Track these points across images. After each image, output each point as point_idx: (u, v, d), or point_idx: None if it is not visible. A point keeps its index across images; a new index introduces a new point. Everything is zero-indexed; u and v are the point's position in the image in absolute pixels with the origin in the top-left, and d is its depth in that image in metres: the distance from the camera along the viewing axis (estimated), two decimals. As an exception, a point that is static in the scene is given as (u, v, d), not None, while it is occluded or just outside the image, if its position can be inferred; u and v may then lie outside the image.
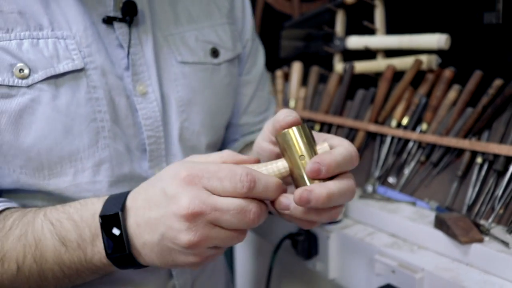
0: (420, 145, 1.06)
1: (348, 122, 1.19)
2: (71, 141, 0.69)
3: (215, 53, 0.87)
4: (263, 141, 0.66)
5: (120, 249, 0.59)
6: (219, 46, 0.88)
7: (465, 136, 0.97)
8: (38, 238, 0.61)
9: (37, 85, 0.66)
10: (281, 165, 0.58)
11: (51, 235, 0.61)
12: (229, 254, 1.60)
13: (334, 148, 0.57)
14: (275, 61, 1.48)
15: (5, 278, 0.62)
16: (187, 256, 0.58)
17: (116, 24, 0.74)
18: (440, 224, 0.88)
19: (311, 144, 0.56)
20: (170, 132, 0.80)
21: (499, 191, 0.89)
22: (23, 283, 0.63)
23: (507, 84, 0.91)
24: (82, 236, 0.61)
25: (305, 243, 1.06)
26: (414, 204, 1.01)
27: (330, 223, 1.03)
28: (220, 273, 1.02)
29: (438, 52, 1.06)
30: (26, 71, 0.65)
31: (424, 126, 1.05)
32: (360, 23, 1.20)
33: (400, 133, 1.09)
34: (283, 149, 0.57)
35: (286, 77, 1.42)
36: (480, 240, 0.82)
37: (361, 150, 1.17)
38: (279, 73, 1.42)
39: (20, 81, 0.65)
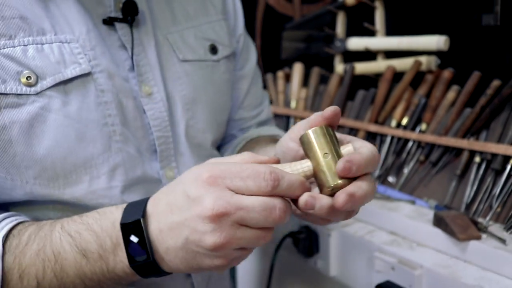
0: (419, 144, 1.08)
1: (349, 122, 1.21)
2: (85, 147, 0.68)
3: (214, 49, 0.87)
4: (290, 141, 0.64)
5: (143, 257, 0.57)
6: (217, 42, 0.88)
7: (464, 136, 0.99)
8: (57, 251, 0.59)
9: (46, 92, 0.64)
10: (305, 165, 0.57)
11: (70, 247, 0.59)
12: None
13: (358, 149, 0.57)
14: (277, 62, 1.50)
15: None
16: (212, 259, 0.56)
17: (118, 25, 0.73)
18: (438, 222, 0.89)
19: (334, 143, 0.57)
20: (177, 131, 0.80)
21: (497, 190, 0.90)
22: None
23: (505, 85, 0.92)
24: (103, 246, 0.59)
25: (306, 241, 1.07)
26: (413, 202, 1.03)
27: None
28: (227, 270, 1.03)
29: (437, 53, 1.08)
30: (34, 78, 0.64)
31: (423, 126, 1.07)
32: (360, 25, 1.21)
33: (399, 133, 1.10)
34: (307, 149, 0.57)
35: (288, 78, 1.44)
36: (478, 237, 0.84)
37: (361, 149, 1.18)
38: (280, 74, 1.44)
39: (28, 89, 0.63)
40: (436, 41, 1.05)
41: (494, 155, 0.92)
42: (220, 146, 1.00)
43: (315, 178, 0.57)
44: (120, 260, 0.59)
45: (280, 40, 1.48)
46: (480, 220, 0.90)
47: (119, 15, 0.73)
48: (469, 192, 0.95)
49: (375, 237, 0.97)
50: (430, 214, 0.95)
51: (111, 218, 0.59)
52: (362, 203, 0.55)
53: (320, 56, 1.36)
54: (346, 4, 1.25)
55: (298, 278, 1.23)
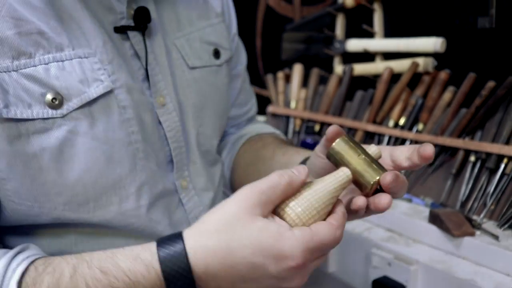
0: (416, 144, 1.10)
1: (347, 122, 1.23)
2: (114, 169, 0.64)
3: (217, 54, 0.85)
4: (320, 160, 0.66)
5: None
6: (219, 46, 0.86)
7: (459, 136, 1.01)
8: None
9: (73, 114, 0.60)
10: (343, 172, 0.58)
11: None
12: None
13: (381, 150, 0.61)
14: (277, 63, 1.51)
15: None
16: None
17: (130, 33, 0.69)
18: (434, 219, 0.92)
19: (360, 147, 0.59)
20: (189, 140, 0.78)
21: (491, 188, 0.93)
22: None
23: (499, 86, 0.95)
24: None
25: (305, 238, 1.09)
26: (410, 200, 1.05)
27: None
28: None
29: (434, 55, 1.10)
30: (59, 100, 0.59)
31: (420, 126, 1.09)
32: (359, 27, 1.23)
33: (397, 133, 1.12)
34: (339, 159, 0.59)
35: (287, 78, 1.46)
36: (472, 234, 0.86)
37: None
38: (280, 74, 1.46)
39: (53, 111, 0.59)
40: (433, 43, 1.07)
41: (489, 154, 0.95)
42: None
43: (354, 181, 0.58)
44: None
45: (281, 41, 1.49)
46: (474, 217, 0.93)
47: (131, 22, 0.69)
48: (464, 190, 0.98)
49: (373, 234, 1.00)
50: (426, 211, 0.97)
51: (151, 281, 0.53)
52: (403, 186, 0.58)
53: (319, 57, 1.38)
54: (346, 6, 1.27)
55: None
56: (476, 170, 0.97)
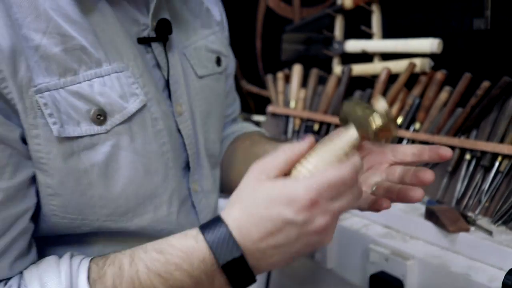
0: (413, 143, 1.12)
1: (346, 121, 1.25)
2: (151, 179, 0.67)
3: (218, 61, 0.87)
4: None
5: (246, 282, 0.57)
6: (220, 54, 0.88)
7: (455, 135, 1.04)
8: None
9: (115, 129, 0.62)
10: (350, 130, 0.59)
11: None
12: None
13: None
14: (277, 64, 1.53)
15: None
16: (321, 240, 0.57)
17: (153, 44, 0.70)
18: (430, 215, 0.94)
19: (368, 104, 0.60)
20: (199, 145, 0.80)
21: (486, 185, 0.95)
22: None
23: (494, 86, 0.97)
24: (199, 281, 0.56)
25: (305, 235, 1.11)
26: (407, 198, 1.07)
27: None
28: None
29: (431, 55, 1.12)
30: (103, 116, 0.60)
31: (417, 125, 1.12)
32: (358, 28, 1.24)
33: (394, 131, 1.14)
34: (351, 114, 0.60)
35: (287, 79, 1.47)
36: (467, 229, 0.88)
37: (358, 148, 1.22)
38: (280, 75, 1.47)
39: (98, 128, 0.60)
40: (429, 44, 1.09)
41: (483, 153, 0.97)
42: None
43: (363, 137, 0.59)
44: (219, 285, 0.57)
45: (280, 42, 1.51)
46: (469, 214, 0.95)
47: (152, 34, 0.70)
48: (459, 187, 1.00)
49: (370, 230, 1.02)
50: (423, 208, 1.00)
51: (199, 256, 0.56)
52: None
53: (318, 58, 1.39)
54: (344, 8, 1.28)
55: (298, 271, 1.27)
56: (471, 168, 0.99)
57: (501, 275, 0.77)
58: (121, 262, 0.57)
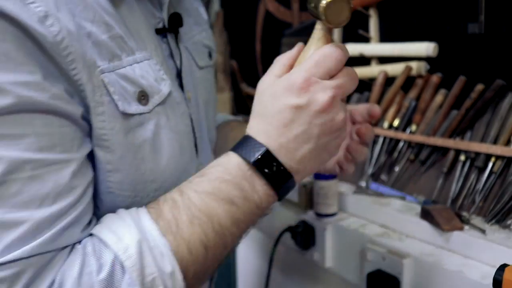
0: (409, 144, 1.15)
1: (344, 123, 1.27)
2: (184, 155, 0.73)
3: (210, 55, 0.95)
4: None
5: (283, 180, 0.64)
6: (210, 49, 0.96)
7: (450, 136, 1.06)
8: (207, 211, 0.62)
9: (156, 109, 0.67)
10: (317, 26, 0.67)
11: (217, 203, 0.62)
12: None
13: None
14: (276, 67, 1.54)
15: (196, 266, 0.62)
16: (338, 137, 0.66)
17: (169, 35, 0.76)
18: (425, 214, 0.97)
19: None
20: (202, 130, 0.86)
21: (480, 186, 0.97)
22: (212, 261, 0.63)
23: (487, 88, 0.99)
24: (244, 188, 0.63)
25: (303, 235, 1.14)
26: (403, 198, 1.10)
27: (327, 215, 1.12)
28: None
29: (427, 59, 1.14)
30: (146, 97, 0.66)
31: (413, 127, 1.14)
32: (355, 32, 1.27)
33: (391, 133, 1.17)
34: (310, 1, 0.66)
35: (286, 81, 1.49)
36: (461, 228, 0.91)
37: (355, 149, 1.25)
38: (279, 78, 1.49)
39: (143, 108, 0.65)
40: (425, 48, 1.11)
41: (478, 154, 0.99)
42: None
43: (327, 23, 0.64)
44: (264, 193, 0.64)
45: (280, 46, 1.53)
46: (464, 213, 0.97)
47: (167, 25, 0.76)
48: (454, 188, 1.02)
49: (367, 230, 1.04)
50: (418, 208, 1.02)
51: (234, 164, 0.64)
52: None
53: (317, 61, 1.41)
54: (342, 12, 1.30)
55: (296, 270, 1.29)
56: (466, 168, 1.02)
57: (494, 272, 0.79)
58: (173, 197, 0.63)
